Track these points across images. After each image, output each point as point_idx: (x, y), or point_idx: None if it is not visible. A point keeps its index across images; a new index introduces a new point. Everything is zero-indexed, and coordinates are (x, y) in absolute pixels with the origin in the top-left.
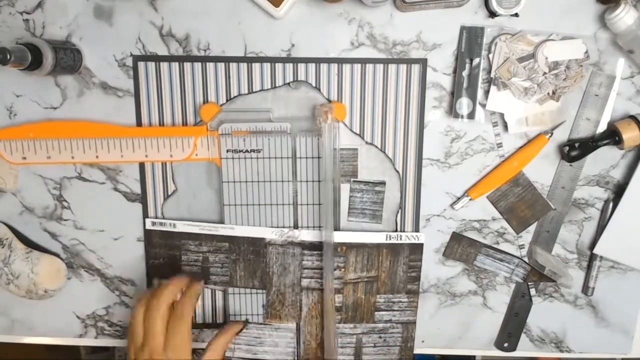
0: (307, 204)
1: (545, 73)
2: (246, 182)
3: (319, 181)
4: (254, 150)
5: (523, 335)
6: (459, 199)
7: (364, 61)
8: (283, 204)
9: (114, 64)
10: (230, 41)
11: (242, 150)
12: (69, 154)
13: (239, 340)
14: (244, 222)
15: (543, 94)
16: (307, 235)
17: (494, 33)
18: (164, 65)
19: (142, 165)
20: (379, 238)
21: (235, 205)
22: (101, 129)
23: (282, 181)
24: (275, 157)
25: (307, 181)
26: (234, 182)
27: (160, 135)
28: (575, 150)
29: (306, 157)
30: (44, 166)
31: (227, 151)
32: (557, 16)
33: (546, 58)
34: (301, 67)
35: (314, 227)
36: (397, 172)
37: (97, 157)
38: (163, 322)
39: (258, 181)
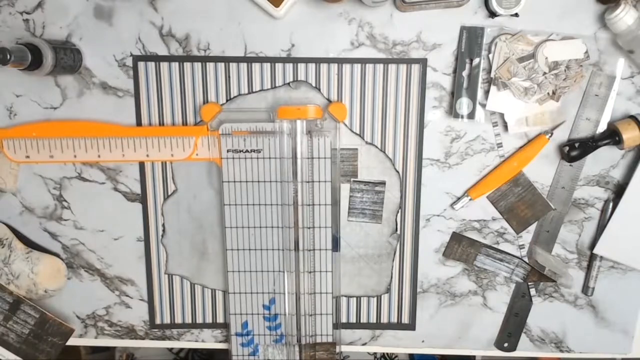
0: (307, 205)
1: (545, 73)
2: (246, 182)
3: (319, 182)
4: (254, 150)
5: (523, 335)
6: (459, 199)
7: (364, 61)
8: (283, 204)
9: (114, 64)
10: (230, 41)
11: (242, 150)
12: (71, 153)
13: None
14: (244, 223)
15: (543, 94)
16: None
17: (494, 33)
18: (164, 65)
19: (142, 165)
20: None
21: (235, 205)
22: (103, 129)
23: (283, 181)
24: (276, 157)
25: (307, 182)
26: (234, 182)
27: (162, 135)
28: (575, 150)
29: (307, 158)
30: (44, 166)
31: (228, 151)
32: (557, 16)
33: (546, 58)
34: (301, 67)
35: (313, 227)
36: (397, 172)
37: (99, 156)
38: None
39: (258, 181)
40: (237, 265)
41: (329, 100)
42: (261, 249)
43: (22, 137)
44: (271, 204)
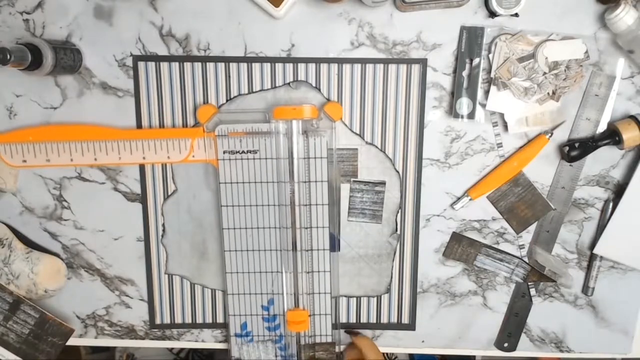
0: (305, 205)
1: (545, 73)
2: (243, 183)
3: (316, 182)
4: (250, 151)
5: (523, 335)
6: (459, 199)
7: (364, 61)
8: (280, 205)
9: (114, 64)
10: (230, 41)
11: (238, 152)
12: (67, 156)
13: None
14: (241, 224)
15: (543, 94)
16: None
17: (494, 33)
18: (164, 65)
19: (142, 165)
20: None
21: (232, 206)
22: (99, 132)
23: (279, 182)
24: (272, 158)
25: (304, 182)
26: (231, 183)
27: (157, 137)
28: (575, 150)
29: (303, 158)
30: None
31: (224, 152)
32: (557, 16)
33: (546, 58)
34: (301, 67)
35: (311, 227)
36: (397, 172)
37: (95, 159)
38: None
39: (255, 182)
40: (235, 267)
41: (329, 100)
42: (259, 250)
43: (19, 141)
44: (268, 205)
